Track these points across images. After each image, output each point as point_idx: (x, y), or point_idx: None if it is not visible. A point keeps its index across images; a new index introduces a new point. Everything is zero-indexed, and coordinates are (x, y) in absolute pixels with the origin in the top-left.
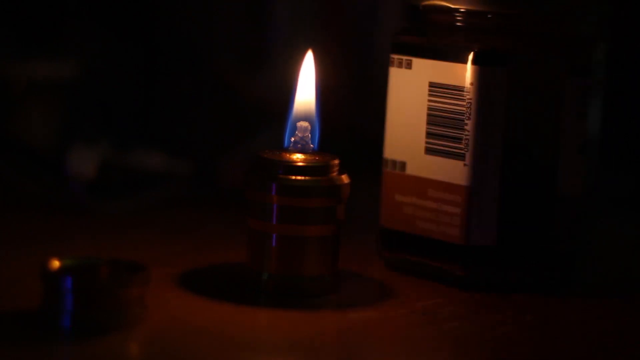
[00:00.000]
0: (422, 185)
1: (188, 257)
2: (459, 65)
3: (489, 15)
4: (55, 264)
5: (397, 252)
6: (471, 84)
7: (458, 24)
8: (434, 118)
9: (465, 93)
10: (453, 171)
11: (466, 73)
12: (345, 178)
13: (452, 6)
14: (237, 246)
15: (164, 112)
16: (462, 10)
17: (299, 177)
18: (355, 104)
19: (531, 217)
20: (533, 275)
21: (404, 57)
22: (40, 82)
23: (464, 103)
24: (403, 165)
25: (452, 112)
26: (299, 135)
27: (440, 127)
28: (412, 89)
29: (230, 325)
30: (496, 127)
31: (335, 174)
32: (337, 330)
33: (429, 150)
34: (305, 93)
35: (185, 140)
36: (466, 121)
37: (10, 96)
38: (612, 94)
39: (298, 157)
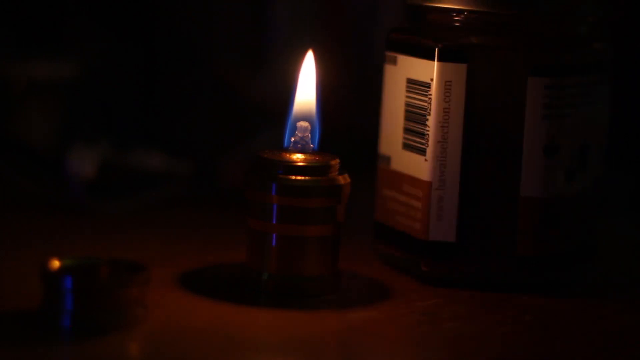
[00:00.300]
0: (399, 179)
1: (188, 257)
2: (427, 62)
3: (454, 13)
4: (55, 264)
5: (385, 245)
6: (431, 79)
7: (445, 22)
8: (409, 114)
9: (429, 89)
10: (418, 166)
11: (432, 69)
12: (345, 178)
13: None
14: (237, 246)
15: (164, 112)
16: (437, 7)
17: (299, 177)
18: (355, 104)
19: (491, 216)
20: (494, 275)
21: (392, 54)
22: (40, 82)
23: (426, 99)
24: (389, 160)
25: (419, 108)
26: (299, 135)
27: (412, 122)
28: (396, 85)
29: (230, 325)
30: (456, 124)
31: (335, 174)
32: (337, 330)
33: (405, 146)
34: (305, 93)
35: (185, 140)
36: (427, 117)
37: (10, 96)
38: (612, 94)
39: (298, 157)
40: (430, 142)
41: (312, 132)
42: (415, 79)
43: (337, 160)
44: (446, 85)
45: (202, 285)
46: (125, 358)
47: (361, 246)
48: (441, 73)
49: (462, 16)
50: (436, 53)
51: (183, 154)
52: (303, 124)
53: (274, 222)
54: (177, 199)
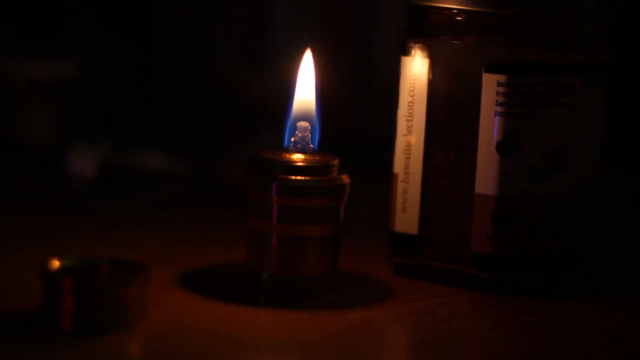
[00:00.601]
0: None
1: (188, 257)
2: (403, 58)
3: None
4: (55, 264)
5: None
6: (399, 74)
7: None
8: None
9: (399, 84)
10: (393, 159)
11: (401, 64)
12: (345, 178)
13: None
14: (237, 246)
15: (164, 112)
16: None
17: (299, 177)
18: (355, 103)
19: (450, 211)
20: (452, 271)
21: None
22: (40, 82)
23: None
24: None
25: (398, 102)
26: (299, 135)
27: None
28: (403, 82)
29: (230, 325)
30: (419, 118)
31: (335, 174)
32: (337, 330)
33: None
34: (305, 92)
35: (185, 140)
36: (395, 110)
37: (10, 96)
38: (612, 94)
39: (298, 157)
40: (397, 135)
41: (312, 132)
42: (402, 74)
43: (337, 160)
44: (411, 80)
45: (202, 285)
46: (125, 358)
47: (362, 246)
48: (407, 68)
49: (436, 13)
50: (406, 49)
51: (183, 154)
52: (303, 124)
53: (274, 222)
54: (177, 199)
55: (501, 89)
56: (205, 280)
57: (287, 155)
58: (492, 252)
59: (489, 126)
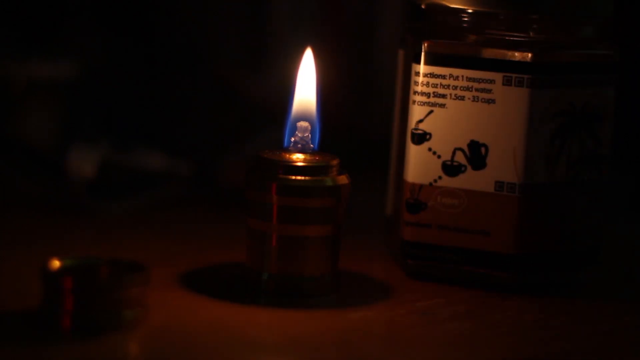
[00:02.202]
0: None
1: (188, 257)
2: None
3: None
4: (55, 264)
5: None
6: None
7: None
8: None
9: None
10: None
11: None
12: (345, 178)
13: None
14: (237, 246)
15: (164, 112)
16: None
17: (299, 177)
18: (355, 103)
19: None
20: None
21: None
22: (40, 82)
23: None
24: None
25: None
26: (299, 135)
27: None
28: None
29: (230, 325)
30: None
31: (335, 174)
32: (337, 330)
33: None
34: (305, 92)
35: (185, 140)
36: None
37: (10, 96)
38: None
39: (298, 157)
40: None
41: (312, 132)
42: None
43: (337, 160)
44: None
45: (202, 285)
46: (125, 358)
47: (362, 246)
48: None
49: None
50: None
51: (183, 154)
52: (303, 124)
53: (274, 222)
54: (177, 199)
55: (417, 79)
56: (205, 280)
57: (287, 155)
58: (409, 238)
59: (406, 113)
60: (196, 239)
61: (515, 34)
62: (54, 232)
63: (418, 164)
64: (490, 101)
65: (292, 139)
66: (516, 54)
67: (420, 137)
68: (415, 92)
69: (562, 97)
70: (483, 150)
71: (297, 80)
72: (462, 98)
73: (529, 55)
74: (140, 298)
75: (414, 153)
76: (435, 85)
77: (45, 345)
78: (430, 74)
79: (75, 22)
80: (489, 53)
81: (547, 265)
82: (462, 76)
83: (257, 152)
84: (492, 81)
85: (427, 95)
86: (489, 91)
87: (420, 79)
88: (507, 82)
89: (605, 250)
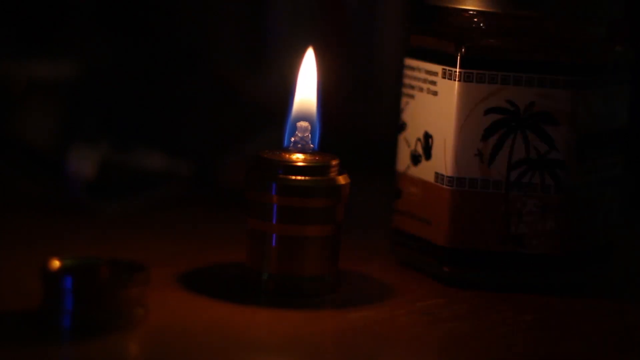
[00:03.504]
0: None
1: (188, 257)
2: None
3: None
4: (55, 264)
5: None
6: None
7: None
8: None
9: None
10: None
11: None
12: (345, 178)
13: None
14: (237, 246)
15: (164, 112)
16: None
17: (299, 177)
18: (355, 103)
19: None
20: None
21: None
22: (40, 82)
23: None
24: None
25: None
26: (299, 135)
27: None
28: None
29: (230, 325)
30: None
31: (335, 174)
32: (337, 330)
33: None
34: (306, 92)
35: (185, 140)
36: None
37: (10, 96)
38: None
39: (298, 157)
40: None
41: (312, 132)
42: None
43: (337, 160)
44: None
45: (202, 285)
46: (125, 358)
47: (362, 246)
48: None
49: None
50: None
51: (183, 154)
52: (303, 124)
53: (274, 222)
54: (177, 199)
55: (404, 71)
56: (205, 280)
57: (287, 155)
58: (393, 225)
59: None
60: (196, 239)
61: (458, 28)
62: (54, 232)
63: (399, 153)
64: (435, 93)
65: (292, 139)
66: (452, 47)
67: (400, 127)
68: (402, 84)
69: (497, 94)
70: (430, 141)
71: (297, 80)
72: (422, 90)
73: (463, 49)
74: (140, 298)
75: (398, 142)
76: (410, 77)
77: (45, 345)
78: (408, 66)
79: (75, 22)
80: (437, 45)
81: (486, 263)
82: (422, 68)
83: (257, 152)
84: (436, 73)
85: (407, 86)
86: (434, 83)
87: (404, 71)
88: (445, 75)
89: (605, 250)
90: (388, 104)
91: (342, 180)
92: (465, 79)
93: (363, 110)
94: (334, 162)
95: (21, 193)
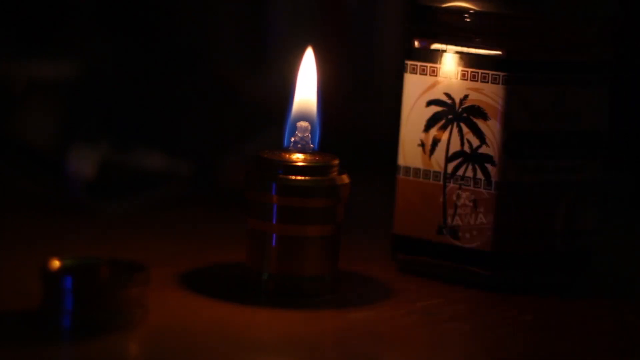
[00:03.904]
0: None
1: (188, 257)
2: None
3: None
4: (55, 264)
5: None
6: None
7: None
8: None
9: None
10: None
11: None
12: (345, 178)
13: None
14: (237, 246)
15: (164, 112)
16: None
17: (299, 177)
18: (356, 103)
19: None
20: None
21: None
22: (40, 82)
23: None
24: None
25: None
26: (299, 135)
27: None
28: None
29: (230, 325)
30: None
31: (335, 174)
32: (337, 330)
33: None
34: (305, 92)
35: (185, 140)
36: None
37: (10, 96)
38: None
39: (298, 157)
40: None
41: (312, 132)
42: None
43: (337, 160)
44: None
45: (202, 285)
46: (125, 358)
47: (362, 246)
48: None
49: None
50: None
51: (183, 154)
52: (303, 124)
53: (274, 222)
54: (177, 199)
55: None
56: (205, 280)
57: (287, 155)
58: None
59: None
60: (196, 239)
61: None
62: (54, 232)
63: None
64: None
65: (292, 139)
66: (410, 42)
67: None
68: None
69: (435, 87)
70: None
71: (297, 80)
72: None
73: (415, 42)
74: (140, 298)
75: None
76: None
77: (45, 345)
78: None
79: (75, 22)
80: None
81: (426, 253)
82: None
83: (257, 152)
84: (406, 68)
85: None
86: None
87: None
88: (406, 69)
89: (605, 250)
90: (388, 104)
91: (342, 180)
92: (411, 71)
93: (363, 110)
94: (334, 162)
95: (21, 193)
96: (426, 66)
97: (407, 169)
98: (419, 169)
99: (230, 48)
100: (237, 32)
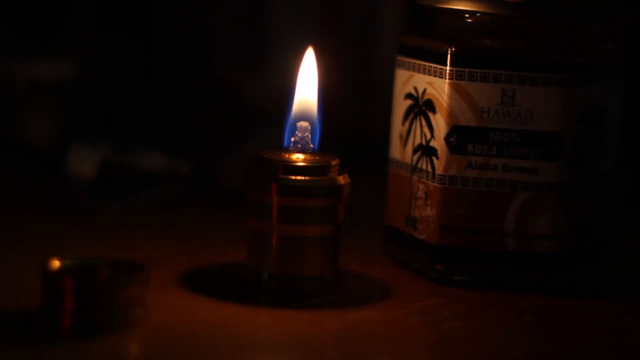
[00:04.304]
0: None
1: (188, 257)
2: None
3: None
4: (55, 264)
5: None
6: None
7: None
8: None
9: None
10: None
11: None
12: (345, 178)
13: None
14: (237, 246)
15: (164, 112)
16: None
17: (299, 177)
18: (356, 103)
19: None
20: None
21: None
22: (40, 82)
23: None
24: None
25: None
26: (299, 135)
27: None
28: None
29: (230, 325)
30: None
31: (335, 174)
32: (337, 330)
33: None
34: (306, 92)
35: (185, 140)
36: None
37: (10, 96)
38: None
39: (298, 157)
40: None
41: (312, 132)
42: None
43: (337, 160)
44: None
45: (202, 285)
46: (125, 358)
47: (362, 246)
48: None
49: None
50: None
51: (183, 154)
52: (303, 124)
53: (274, 222)
54: (177, 199)
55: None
56: (205, 280)
57: (287, 155)
58: None
59: None
60: (196, 239)
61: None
62: (54, 232)
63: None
64: None
65: (292, 139)
66: (403, 36)
67: None
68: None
69: (409, 81)
70: None
71: (297, 80)
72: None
73: (403, 36)
74: (140, 298)
75: None
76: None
77: (45, 345)
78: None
79: (75, 22)
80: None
81: (398, 242)
82: None
83: (257, 152)
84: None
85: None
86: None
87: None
88: (396, 64)
89: (605, 250)
90: (388, 104)
91: (342, 180)
92: (398, 65)
93: (363, 110)
94: (334, 162)
95: (21, 193)
96: (406, 61)
97: (392, 161)
98: (398, 161)
99: (230, 48)
100: (237, 32)
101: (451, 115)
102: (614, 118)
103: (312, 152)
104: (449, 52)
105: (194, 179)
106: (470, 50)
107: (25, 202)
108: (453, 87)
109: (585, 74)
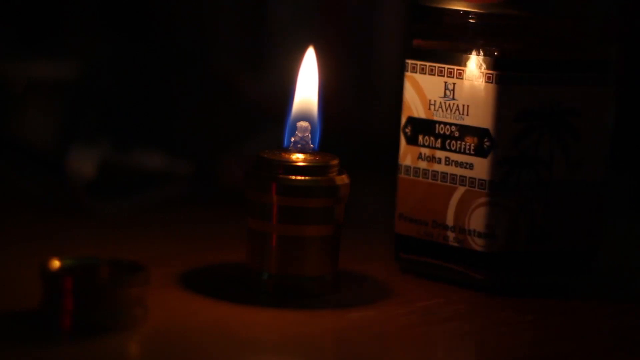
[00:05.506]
0: None
1: (188, 257)
2: None
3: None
4: (55, 264)
5: None
6: None
7: None
8: None
9: None
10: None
11: None
12: (345, 178)
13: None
14: (237, 246)
15: (164, 112)
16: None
17: (299, 177)
18: (356, 103)
19: None
20: None
21: None
22: (40, 82)
23: None
24: None
25: None
26: (299, 135)
27: None
28: None
29: (230, 325)
30: None
31: (335, 174)
32: (337, 330)
33: None
34: (306, 92)
35: (185, 140)
36: None
37: (10, 96)
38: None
39: (298, 157)
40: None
41: (312, 132)
42: None
43: (337, 160)
44: None
45: (202, 285)
46: (125, 358)
47: (362, 246)
48: None
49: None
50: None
51: (183, 154)
52: (303, 123)
53: (274, 222)
54: (177, 199)
55: None
56: (205, 280)
57: (287, 155)
58: None
59: None
60: (196, 239)
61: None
62: (54, 232)
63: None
64: None
65: (292, 139)
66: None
67: None
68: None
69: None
70: None
71: (297, 80)
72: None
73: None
74: (140, 298)
75: None
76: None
77: (45, 345)
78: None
79: (75, 22)
80: None
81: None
82: None
83: (257, 152)
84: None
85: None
86: None
87: None
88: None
89: (606, 250)
90: (388, 104)
91: (342, 180)
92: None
93: (363, 110)
94: (334, 162)
95: (21, 193)
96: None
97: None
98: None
99: (230, 48)
100: (237, 32)
101: (407, 108)
102: (593, 124)
103: (312, 152)
104: (415, 47)
105: (193, 179)
106: (428, 44)
107: (25, 202)
108: (408, 79)
109: (528, 73)
